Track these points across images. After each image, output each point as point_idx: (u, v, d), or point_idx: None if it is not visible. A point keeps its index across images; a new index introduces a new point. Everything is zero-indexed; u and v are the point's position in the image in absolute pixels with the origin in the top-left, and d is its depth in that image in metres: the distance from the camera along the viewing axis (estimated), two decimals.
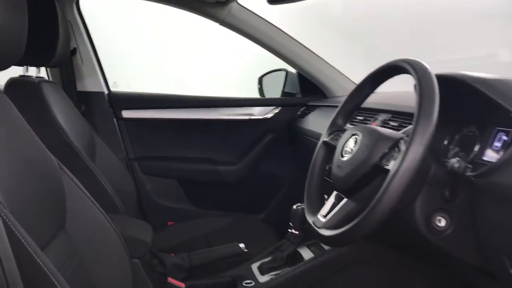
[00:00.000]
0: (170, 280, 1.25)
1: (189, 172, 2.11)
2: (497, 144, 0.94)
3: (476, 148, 0.98)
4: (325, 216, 1.00)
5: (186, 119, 2.09)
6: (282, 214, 1.55)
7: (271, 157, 2.14)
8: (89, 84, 2.01)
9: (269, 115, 2.15)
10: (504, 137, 0.93)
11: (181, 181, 2.11)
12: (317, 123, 1.86)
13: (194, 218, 1.98)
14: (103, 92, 2.02)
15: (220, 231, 1.75)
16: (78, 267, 0.99)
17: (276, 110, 2.15)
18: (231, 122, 2.13)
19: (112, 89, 2.07)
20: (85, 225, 1.03)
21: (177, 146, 2.10)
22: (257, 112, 2.16)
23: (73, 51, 1.94)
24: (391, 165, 0.85)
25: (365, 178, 0.92)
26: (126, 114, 2.04)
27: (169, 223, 1.98)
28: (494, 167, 0.88)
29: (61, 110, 1.49)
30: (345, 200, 0.97)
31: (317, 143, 1.20)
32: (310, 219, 1.03)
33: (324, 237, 0.94)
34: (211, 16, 1.86)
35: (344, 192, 0.98)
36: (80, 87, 1.99)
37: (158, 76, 2.91)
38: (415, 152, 0.80)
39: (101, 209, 1.04)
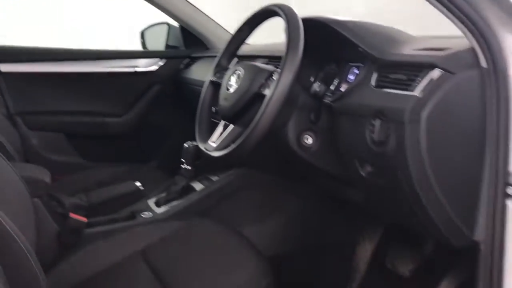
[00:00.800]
0: (72, 215, 1.31)
1: (76, 125, 2.12)
2: (351, 77, 1.17)
3: (335, 82, 1.20)
4: (215, 142, 1.16)
5: (70, 72, 2.08)
6: (172, 160, 1.68)
7: (159, 108, 2.23)
8: None
9: (154, 68, 2.23)
10: (356, 71, 1.16)
11: (68, 135, 2.11)
12: (201, 72, 2.00)
13: (84, 170, 2.02)
14: None
15: (114, 178, 1.82)
16: None
17: (161, 63, 2.24)
18: (116, 75, 2.17)
19: None
20: None
21: (61, 100, 2.08)
22: (142, 65, 2.22)
23: None
24: (267, 92, 1.03)
25: (247, 105, 1.09)
26: (4, 68, 1.97)
27: (58, 177, 1.99)
28: (346, 92, 1.10)
29: None
30: (231, 126, 1.14)
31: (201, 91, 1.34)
32: (202, 146, 1.19)
33: (216, 158, 1.10)
34: None
35: (230, 119, 1.14)
36: None
37: (36, 28, 2.78)
38: (286, 78, 0.98)
39: None
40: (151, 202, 1.51)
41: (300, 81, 1.12)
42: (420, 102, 0.88)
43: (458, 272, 1.26)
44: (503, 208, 0.88)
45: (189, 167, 1.51)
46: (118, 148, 2.20)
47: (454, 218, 0.95)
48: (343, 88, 1.17)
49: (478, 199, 0.92)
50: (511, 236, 0.89)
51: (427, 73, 0.90)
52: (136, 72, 2.19)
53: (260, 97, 1.05)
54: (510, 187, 0.87)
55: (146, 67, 2.22)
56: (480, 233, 0.93)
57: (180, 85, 2.18)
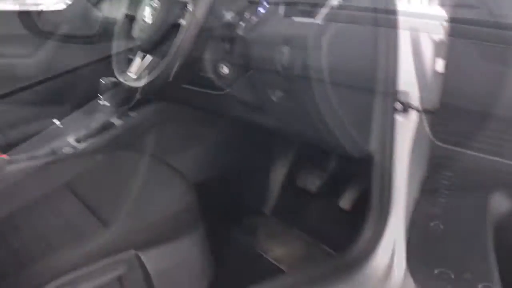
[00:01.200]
0: None
1: None
2: (261, 9, 1.24)
3: (247, 14, 1.27)
4: (133, 73, 1.20)
5: None
6: (88, 99, 1.67)
7: (70, 48, 2.16)
8: None
9: (61, 6, 2.14)
10: (266, 3, 1.23)
11: None
12: (112, 9, 1.97)
13: None
14: None
15: (27, 119, 1.78)
16: None
17: (68, 1, 2.15)
18: (20, 14, 2.06)
19: None
20: None
21: None
22: (48, 4, 2.12)
23: None
24: (183, 22, 1.08)
25: (164, 36, 1.13)
26: None
27: None
28: (257, 24, 1.18)
29: None
30: (149, 57, 1.18)
31: (114, 26, 1.35)
32: (121, 77, 1.22)
33: (137, 89, 1.15)
34: None
35: (148, 50, 1.19)
36: None
37: None
38: (201, 8, 1.04)
39: None
40: (71, 139, 1.52)
41: (213, 12, 1.18)
42: (321, 28, 0.98)
43: (357, 183, 1.45)
44: (392, 121, 1.03)
45: (107, 103, 1.53)
46: (29, 91, 2.12)
47: (352, 132, 1.09)
48: (254, 20, 1.24)
49: (373, 115, 1.06)
50: (400, 147, 1.04)
51: (326, 1, 1.00)
52: (42, 11, 2.09)
53: (176, 27, 1.10)
54: (398, 102, 1.02)
55: (53, 6, 2.12)
56: (374, 145, 1.08)
57: (91, 24, 2.13)
